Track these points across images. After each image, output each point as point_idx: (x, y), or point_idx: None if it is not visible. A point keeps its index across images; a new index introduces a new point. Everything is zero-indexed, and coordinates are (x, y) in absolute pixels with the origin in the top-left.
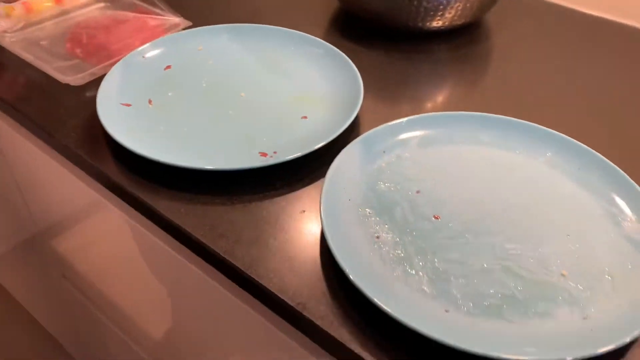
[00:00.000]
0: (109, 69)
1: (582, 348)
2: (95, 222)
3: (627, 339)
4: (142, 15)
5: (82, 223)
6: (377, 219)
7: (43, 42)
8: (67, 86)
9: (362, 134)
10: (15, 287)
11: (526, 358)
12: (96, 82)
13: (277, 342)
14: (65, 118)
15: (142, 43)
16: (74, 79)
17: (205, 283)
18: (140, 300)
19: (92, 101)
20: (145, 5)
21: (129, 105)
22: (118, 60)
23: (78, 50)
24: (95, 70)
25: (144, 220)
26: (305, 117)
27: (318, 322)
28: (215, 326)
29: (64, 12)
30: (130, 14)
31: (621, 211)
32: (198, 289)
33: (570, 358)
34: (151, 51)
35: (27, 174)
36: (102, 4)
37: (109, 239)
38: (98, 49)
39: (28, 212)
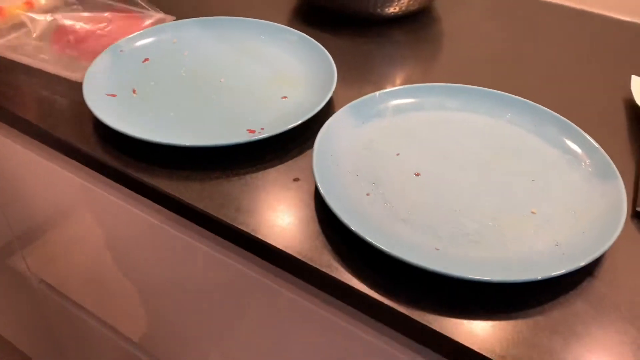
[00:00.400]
0: None
1: (561, 266)
2: (82, 215)
3: (596, 255)
4: (126, 14)
5: (67, 219)
6: (365, 180)
7: (27, 47)
8: (55, 86)
9: (336, 112)
10: None
11: (522, 278)
12: None
13: (285, 302)
14: (52, 113)
15: None
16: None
17: (207, 255)
18: (132, 290)
19: (77, 95)
20: (120, 4)
21: (114, 95)
22: None
23: (68, 50)
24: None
25: (143, 203)
26: (285, 97)
27: (324, 270)
28: (226, 300)
29: (34, 17)
30: (115, 14)
31: (576, 156)
32: (201, 263)
33: (554, 273)
34: (127, 45)
35: (5, 175)
36: (74, 6)
37: (98, 231)
38: (91, 47)
39: (5, 219)
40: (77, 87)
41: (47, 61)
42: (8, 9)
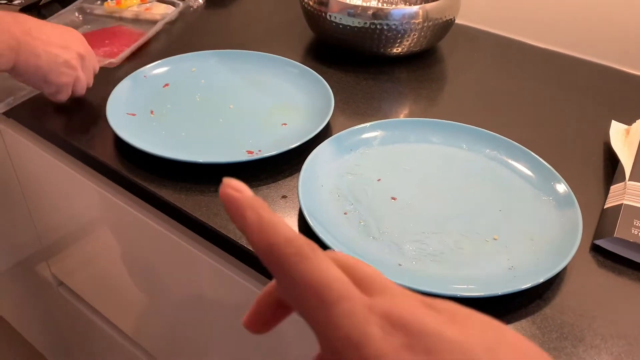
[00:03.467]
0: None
1: (509, 286)
2: (103, 225)
3: (541, 280)
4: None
5: (89, 228)
6: (345, 200)
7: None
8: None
9: (327, 139)
10: (1, 305)
11: (468, 294)
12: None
13: None
14: (78, 126)
15: None
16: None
17: (206, 263)
18: (141, 295)
19: (101, 112)
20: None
21: (134, 114)
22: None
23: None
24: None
25: (150, 210)
26: (285, 124)
27: None
28: (214, 301)
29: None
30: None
31: (543, 190)
32: (198, 268)
33: (500, 292)
34: (151, 71)
35: (33, 183)
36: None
37: (111, 238)
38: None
39: (34, 226)
40: (103, 105)
41: None
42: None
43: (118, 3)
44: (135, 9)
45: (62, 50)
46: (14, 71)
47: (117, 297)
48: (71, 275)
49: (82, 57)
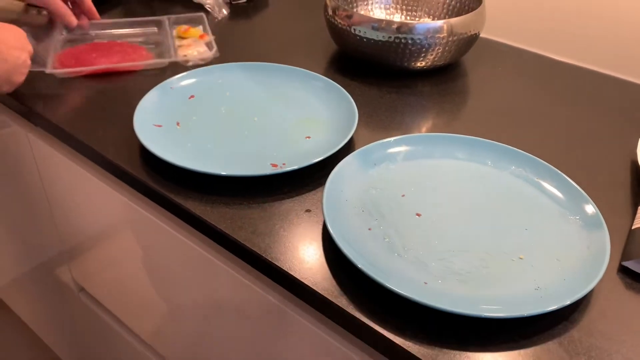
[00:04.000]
0: None
1: (535, 307)
2: (125, 232)
3: (568, 301)
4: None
5: (111, 235)
6: (369, 215)
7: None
8: (108, 111)
9: (351, 153)
10: (21, 308)
11: (495, 315)
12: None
13: (287, 318)
14: (105, 136)
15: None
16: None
17: (228, 274)
18: (161, 304)
19: (129, 122)
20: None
21: (160, 126)
22: None
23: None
24: None
25: (174, 220)
26: (309, 137)
27: (322, 293)
28: (234, 312)
29: None
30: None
31: (569, 209)
32: (220, 279)
33: (527, 313)
34: (178, 83)
35: (58, 190)
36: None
37: (133, 246)
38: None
39: (57, 231)
40: (130, 115)
41: None
42: (193, 31)
43: (186, 31)
44: (183, 41)
45: (20, 51)
46: None
47: (137, 305)
48: (92, 281)
49: (30, 55)
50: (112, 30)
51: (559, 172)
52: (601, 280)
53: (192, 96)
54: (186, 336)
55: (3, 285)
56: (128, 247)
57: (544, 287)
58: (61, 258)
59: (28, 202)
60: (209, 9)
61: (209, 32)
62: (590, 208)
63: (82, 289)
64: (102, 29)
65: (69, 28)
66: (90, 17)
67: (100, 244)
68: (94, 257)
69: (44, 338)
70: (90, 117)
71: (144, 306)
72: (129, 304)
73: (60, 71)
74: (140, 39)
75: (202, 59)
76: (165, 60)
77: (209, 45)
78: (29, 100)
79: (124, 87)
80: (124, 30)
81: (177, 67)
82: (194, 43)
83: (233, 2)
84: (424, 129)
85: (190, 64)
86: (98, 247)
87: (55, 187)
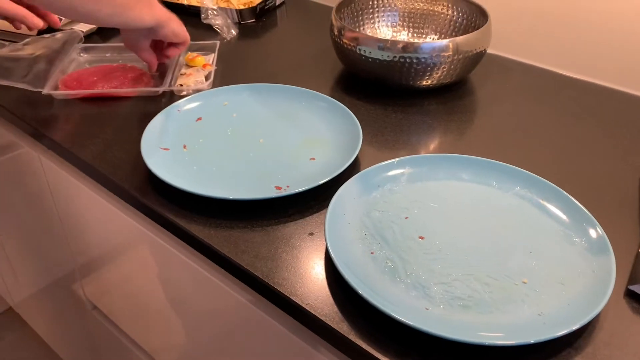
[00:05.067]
0: None
1: (538, 333)
2: (133, 253)
3: (573, 328)
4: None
5: (121, 255)
6: (372, 238)
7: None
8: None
9: (353, 176)
10: (38, 323)
11: (498, 342)
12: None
13: (287, 341)
14: (113, 160)
15: None
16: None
17: (232, 297)
18: (169, 324)
19: (137, 145)
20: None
21: (167, 149)
22: None
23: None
24: None
25: (180, 243)
26: (314, 159)
27: (322, 319)
28: (239, 335)
29: None
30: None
31: (575, 231)
32: (225, 302)
33: (533, 340)
34: (185, 106)
35: (69, 210)
36: None
37: (142, 267)
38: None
39: (69, 249)
40: (138, 138)
41: None
42: (199, 60)
43: (193, 59)
44: (188, 69)
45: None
46: None
47: (148, 324)
48: (104, 300)
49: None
50: (129, 54)
51: (565, 192)
52: (607, 305)
53: (199, 118)
54: (197, 356)
55: (20, 302)
56: (136, 266)
57: (547, 312)
58: (74, 276)
59: (42, 222)
60: (218, 30)
61: (214, 62)
62: (596, 231)
63: (94, 307)
64: (120, 53)
65: (34, 27)
66: (50, 20)
67: (110, 263)
68: (104, 275)
69: (59, 353)
70: (100, 140)
71: (152, 324)
72: (138, 321)
73: (56, 93)
74: None
75: (195, 90)
76: (158, 89)
77: (208, 75)
78: (34, 121)
79: (126, 110)
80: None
81: (174, 94)
82: (195, 72)
83: (242, 23)
84: (429, 149)
85: (184, 92)
86: (108, 266)
87: (66, 207)
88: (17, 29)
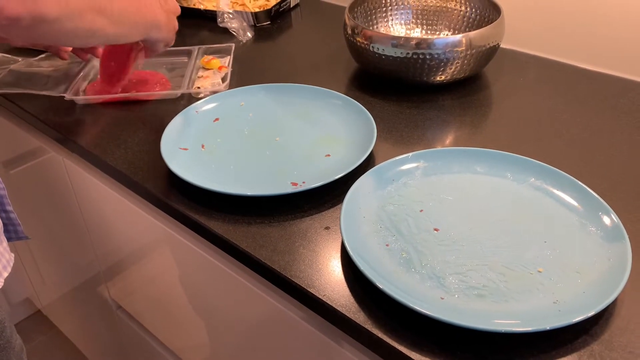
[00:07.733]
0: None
1: (553, 321)
2: (157, 253)
3: (588, 315)
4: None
5: (144, 255)
6: (387, 231)
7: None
8: (135, 139)
9: (368, 170)
10: (65, 325)
11: (514, 329)
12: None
13: (304, 332)
14: (134, 160)
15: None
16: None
17: (251, 292)
18: (195, 321)
19: (157, 146)
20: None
21: (186, 149)
22: None
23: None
24: None
25: (200, 240)
26: (329, 155)
27: (339, 309)
28: (261, 331)
29: None
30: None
31: (590, 220)
32: (246, 296)
33: (549, 327)
34: (203, 107)
35: (93, 212)
36: None
37: (164, 265)
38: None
39: (94, 252)
40: (158, 139)
41: None
42: (214, 62)
43: (209, 62)
44: (205, 72)
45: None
46: None
47: (172, 322)
48: (128, 299)
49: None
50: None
51: (579, 182)
52: (623, 292)
53: (217, 119)
54: (220, 352)
55: (48, 305)
56: (159, 266)
57: (563, 300)
58: (99, 277)
59: (67, 225)
60: (234, 33)
61: (230, 64)
62: (610, 218)
63: (119, 307)
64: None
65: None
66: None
67: (133, 263)
68: (127, 275)
69: (88, 355)
70: (121, 142)
71: (177, 322)
72: (163, 320)
73: (77, 98)
74: (169, 67)
75: (213, 91)
76: (177, 92)
77: (224, 77)
78: (59, 127)
79: (145, 113)
80: (160, 59)
81: (192, 97)
82: (212, 75)
83: (257, 25)
84: (444, 143)
85: (201, 94)
86: (131, 266)
87: (90, 209)
88: (65, 59)
